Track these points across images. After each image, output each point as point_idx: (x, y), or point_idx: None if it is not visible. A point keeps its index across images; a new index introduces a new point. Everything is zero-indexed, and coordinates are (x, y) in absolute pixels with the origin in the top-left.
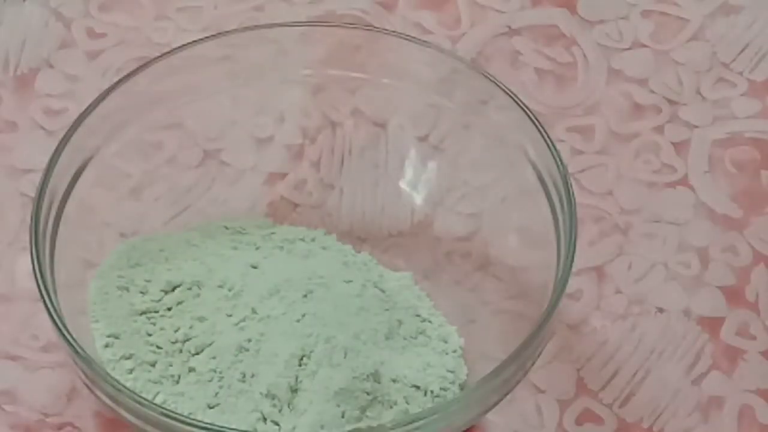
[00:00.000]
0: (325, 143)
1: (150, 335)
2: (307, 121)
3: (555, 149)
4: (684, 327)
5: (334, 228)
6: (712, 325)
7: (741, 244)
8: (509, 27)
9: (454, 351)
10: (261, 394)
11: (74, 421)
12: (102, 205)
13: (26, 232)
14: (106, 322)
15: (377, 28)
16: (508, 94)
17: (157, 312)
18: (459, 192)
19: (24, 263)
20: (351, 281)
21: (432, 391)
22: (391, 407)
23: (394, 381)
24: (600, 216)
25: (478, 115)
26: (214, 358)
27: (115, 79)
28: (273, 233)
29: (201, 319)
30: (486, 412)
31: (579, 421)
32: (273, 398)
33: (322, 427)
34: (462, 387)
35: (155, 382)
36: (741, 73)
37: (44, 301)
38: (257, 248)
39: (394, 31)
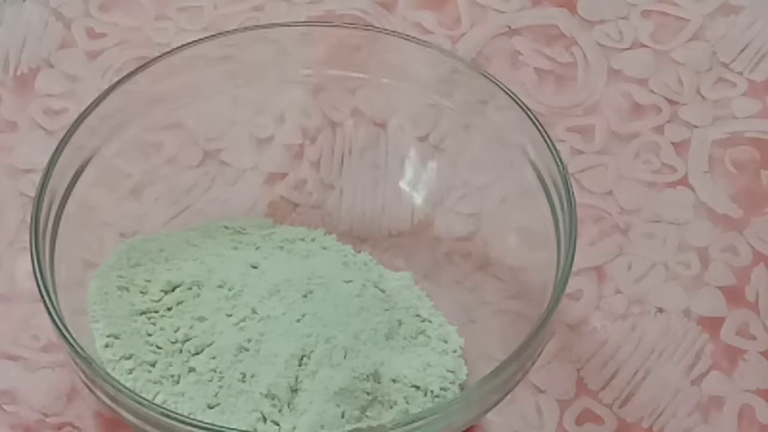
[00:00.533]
0: (325, 143)
1: (150, 335)
2: (307, 121)
3: (555, 149)
4: (684, 327)
5: (334, 228)
6: (712, 325)
7: (741, 244)
8: (509, 27)
9: (454, 351)
10: (261, 394)
11: (74, 421)
12: (102, 205)
13: (26, 232)
14: (106, 322)
15: (377, 28)
16: (508, 94)
17: (157, 312)
18: (459, 192)
19: (24, 263)
20: (351, 281)
21: (432, 391)
22: (391, 407)
23: (394, 381)
24: (600, 216)
25: (478, 115)
26: (214, 358)
27: (115, 79)
28: (273, 233)
29: (201, 319)
30: (486, 412)
31: (579, 421)
32: (273, 398)
33: (322, 427)
34: (462, 387)
35: (155, 382)
36: (741, 73)
37: (44, 301)
38: (257, 248)
39: (394, 31)
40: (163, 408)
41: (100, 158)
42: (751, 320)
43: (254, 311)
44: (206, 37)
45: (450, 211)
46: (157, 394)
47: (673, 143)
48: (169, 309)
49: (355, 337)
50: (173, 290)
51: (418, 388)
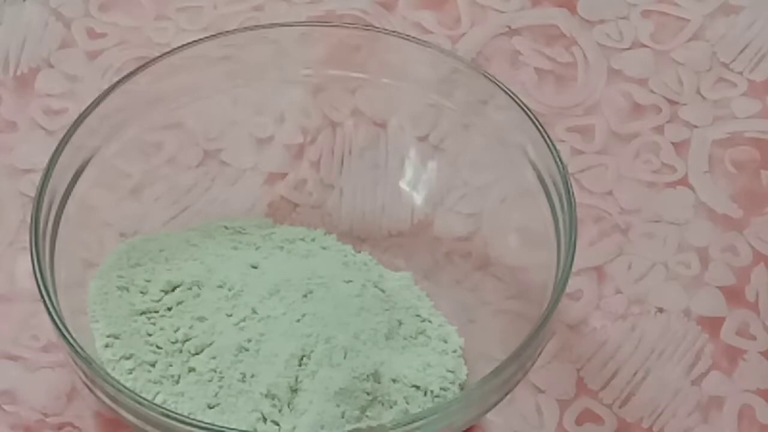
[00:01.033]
0: (325, 143)
1: (150, 335)
2: (307, 121)
3: (555, 149)
4: (684, 327)
5: (334, 228)
6: (712, 325)
7: (741, 244)
8: (509, 27)
9: (454, 351)
10: (261, 394)
11: (74, 421)
12: (102, 205)
13: (26, 232)
14: (106, 322)
15: (377, 28)
16: (508, 94)
17: (157, 312)
18: (459, 192)
19: (24, 263)
20: (351, 281)
21: (432, 391)
22: (391, 407)
23: (394, 381)
24: (600, 216)
25: (478, 115)
26: (214, 358)
27: (115, 79)
28: (273, 233)
29: (201, 319)
30: (486, 412)
31: (579, 421)
32: (273, 398)
33: (322, 427)
34: (462, 387)
35: (155, 382)
36: (741, 73)
37: (44, 301)
38: (257, 248)
39: (394, 31)
40: (163, 408)
41: (100, 158)
42: (751, 320)
43: (254, 311)
44: (206, 37)
45: (450, 211)
46: (157, 394)
47: (673, 143)
48: (169, 309)
49: (355, 337)
50: (173, 290)
51: (418, 388)
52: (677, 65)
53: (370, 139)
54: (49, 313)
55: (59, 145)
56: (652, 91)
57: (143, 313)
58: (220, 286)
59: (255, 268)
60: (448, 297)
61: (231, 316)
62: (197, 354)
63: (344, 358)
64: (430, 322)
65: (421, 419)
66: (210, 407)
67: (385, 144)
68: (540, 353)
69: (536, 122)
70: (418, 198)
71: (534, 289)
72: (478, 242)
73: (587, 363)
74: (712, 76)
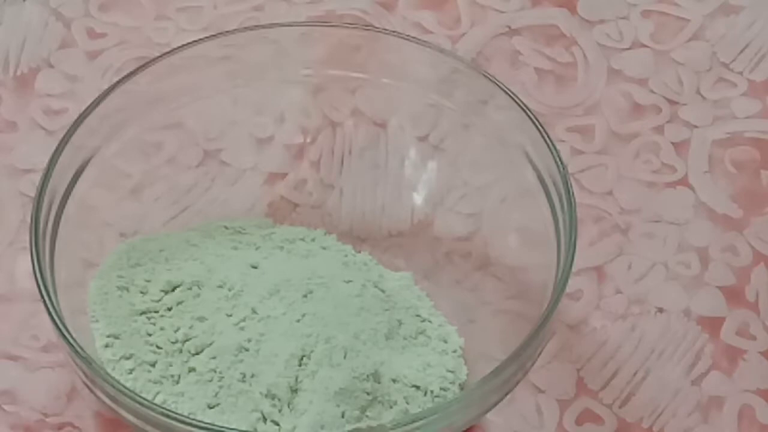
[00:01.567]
0: (325, 143)
1: (150, 335)
2: (307, 121)
3: (555, 149)
4: (684, 327)
5: (334, 228)
6: (712, 325)
7: (741, 244)
8: (509, 27)
9: (454, 351)
10: (261, 394)
11: (74, 421)
12: (102, 205)
13: (26, 232)
14: (106, 322)
15: (377, 28)
16: (508, 94)
17: (157, 312)
18: (459, 192)
19: (24, 263)
20: (351, 281)
21: (432, 391)
22: (391, 407)
23: (394, 381)
24: (600, 216)
25: (478, 115)
26: (214, 358)
27: (115, 79)
28: (273, 233)
29: (201, 319)
30: (486, 412)
31: (579, 421)
32: (273, 398)
33: (322, 427)
34: (462, 387)
35: (155, 382)
36: (741, 73)
37: (44, 301)
38: (257, 248)
39: (394, 31)
40: (163, 408)
41: (100, 158)
42: (751, 320)
43: (254, 311)
44: (206, 37)
45: (450, 211)
46: (157, 394)
47: (673, 143)
48: (169, 309)
49: (355, 337)
50: (173, 290)
51: (418, 388)
52: (677, 65)
53: (370, 139)
54: (49, 313)
55: (59, 145)
56: (652, 91)
57: (143, 313)
58: (220, 286)
59: (255, 268)
60: (448, 297)
61: (231, 316)
62: (197, 354)
63: (344, 358)
64: (430, 322)
65: (421, 419)
66: (210, 407)
67: (385, 144)
68: (540, 353)
69: (536, 122)
70: (418, 198)
71: (534, 289)
72: (478, 242)
73: (587, 363)
74: (712, 76)
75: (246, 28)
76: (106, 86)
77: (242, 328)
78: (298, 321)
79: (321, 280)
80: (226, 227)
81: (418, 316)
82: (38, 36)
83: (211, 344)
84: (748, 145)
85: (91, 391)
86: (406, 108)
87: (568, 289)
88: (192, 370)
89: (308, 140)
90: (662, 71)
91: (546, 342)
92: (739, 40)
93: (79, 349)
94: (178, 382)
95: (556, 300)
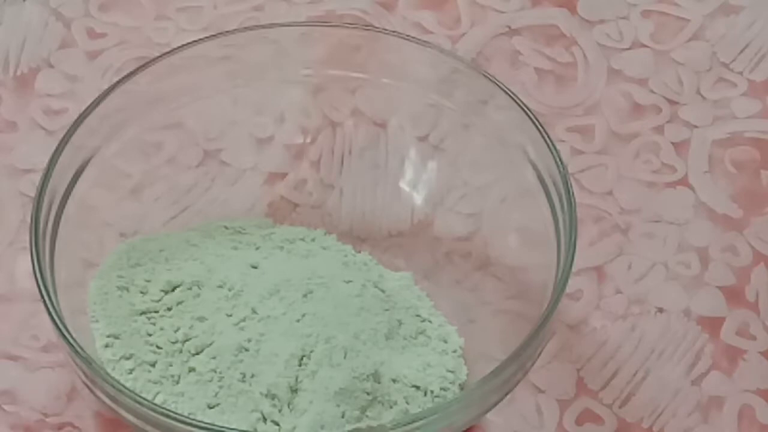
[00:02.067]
0: (325, 143)
1: (150, 335)
2: (307, 121)
3: (555, 149)
4: (684, 327)
5: (334, 228)
6: (712, 325)
7: (741, 244)
8: (509, 27)
9: (454, 351)
10: (261, 394)
11: (74, 421)
12: (102, 205)
13: (26, 232)
14: (106, 322)
15: (377, 28)
16: (508, 94)
17: (157, 312)
18: (459, 192)
19: (24, 263)
20: (351, 281)
21: (432, 391)
22: (391, 407)
23: (394, 381)
24: (600, 216)
25: (478, 115)
26: (214, 358)
27: (115, 79)
28: (273, 233)
29: (201, 319)
30: (486, 412)
31: (579, 421)
32: (273, 398)
33: (322, 427)
34: (462, 387)
35: (155, 382)
36: (741, 73)
37: (44, 301)
38: (257, 248)
39: (394, 31)
40: (163, 408)
41: (100, 158)
42: (751, 320)
43: (254, 311)
44: (206, 37)
45: (450, 211)
46: (157, 394)
47: (673, 143)
48: (169, 309)
49: (355, 337)
50: (173, 290)
51: (418, 388)
52: (677, 65)
53: (370, 139)
54: (49, 313)
55: (59, 145)
56: (652, 91)
57: (143, 313)
58: (220, 286)
59: (255, 268)
60: (448, 297)
61: (231, 316)
62: (197, 354)
63: (344, 358)
64: (430, 322)
65: (421, 419)
66: (210, 407)
67: (385, 144)
68: (540, 353)
69: (536, 122)
70: (418, 198)
71: (534, 289)
72: (478, 242)
73: (587, 363)
74: (712, 76)
75: (246, 28)
76: (106, 86)
77: (242, 328)
78: (298, 321)
79: (321, 280)
80: (226, 227)
81: (418, 316)
82: (38, 36)
83: (211, 344)
84: (748, 145)
85: (91, 391)
86: (406, 108)
87: (568, 289)
88: (192, 370)
89: (308, 140)
90: (662, 71)
91: (546, 342)
92: (739, 40)
93: (79, 349)
94: (178, 382)
95: (556, 300)
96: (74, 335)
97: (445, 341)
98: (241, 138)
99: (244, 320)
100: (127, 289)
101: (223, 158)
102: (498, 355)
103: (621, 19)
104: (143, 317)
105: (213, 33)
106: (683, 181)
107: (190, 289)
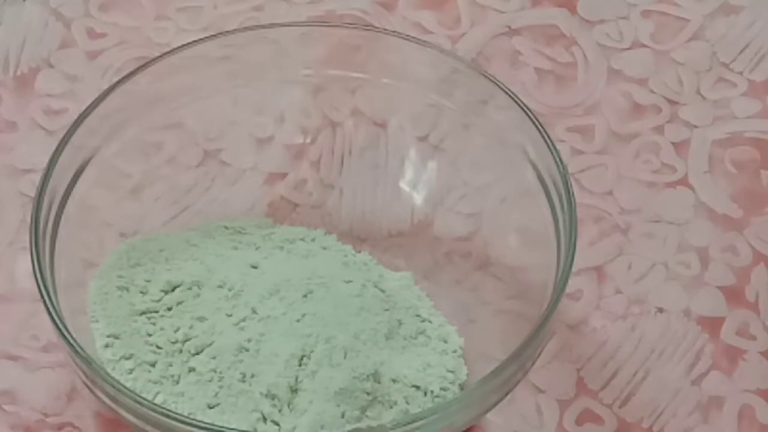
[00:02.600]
0: (325, 143)
1: (150, 335)
2: (307, 121)
3: (555, 149)
4: (684, 327)
5: (334, 228)
6: (712, 325)
7: (741, 244)
8: (509, 27)
9: (454, 351)
10: (261, 394)
11: (74, 421)
12: (102, 205)
13: (26, 232)
14: (106, 322)
15: (377, 28)
16: (508, 94)
17: (157, 312)
18: (459, 192)
19: (24, 263)
20: (351, 281)
21: (432, 391)
22: (391, 407)
23: (394, 381)
24: (600, 216)
25: (478, 115)
26: (214, 358)
27: (115, 79)
28: (273, 233)
29: (201, 319)
30: (486, 412)
31: (579, 421)
32: (273, 398)
33: (322, 427)
34: (462, 387)
35: (155, 382)
36: (741, 73)
37: (44, 301)
38: (257, 248)
39: (394, 31)
40: (163, 408)
41: (100, 158)
42: (751, 320)
43: (254, 311)
44: (206, 37)
45: (450, 211)
46: (157, 394)
47: (673, 143)
48: (169, 309)
49: (355, 337)
50: (173, 290)
51: (418, 388)
52: (677, 65)
53: (370, 139)
54: (49, 313)
55: (59, 145)
56: (652, 91)
57: (143, 313)
58: (220, 286)
59: (255, 268)
60: (448, 297)
61: (231, 316)
62: (197, 354)
63: (344, 358)
64: (430, 322)
65: (421, 419)
66: (210, 407)
67: (385, 144)
68: (540, 353)
69: (536, 122)
70: (418, 198)
71: (534, 289)
72: (478, 242)
73: (587, 363)
74: (712, 76)
75: (246, 28)
76: (106, 86)
77: (242, 328)
78: (298, 321)
79: (321, 280)
80: (226, 227)
81: (418, 316)
82: (38, 36)
83: (211, 344)
84: (748, 145)
85: (91, 391)
86: (406, 108)
87: (568, 289)
88: (192, 370)
89: (308, 140)
90: (662, 71)
91: (546, 342)
92: (739, 40)
93: (79, 349)
94: (178, 382)
95: (556, 300)
96: (74, 335)
97: (445, 341)
98: (241, 138)
99: (244, 320)
100: (127, 289)
101: (223, 158)
102: (498, 355)
103: (621, 19)
104: (143, 317)
105: (213, 33)
106: (683, 181)
107: (190, 289)
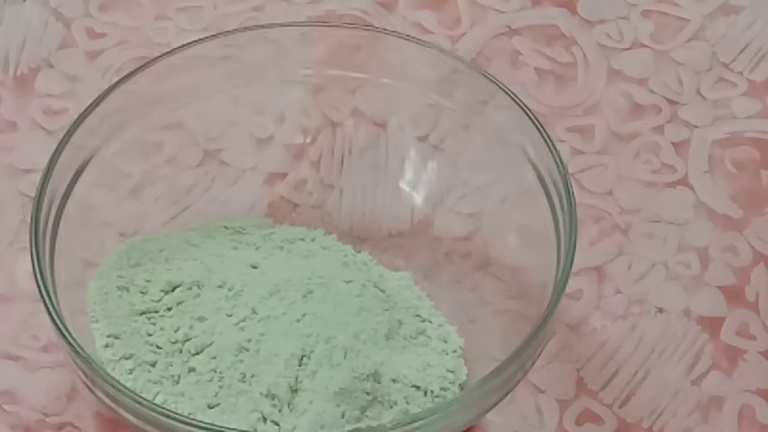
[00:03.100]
0: (325, 143)
1: (150, 335)
2: (307, 121)
3: (555, 149)
4: (684, 327)
5: (334, 228)
6: (712, 325)
7: (741, 244)
8: (509, 27)
9: (454, 351)
10: (261, 394)
11: (74, 421)
12: (102, 205)
13: (26, 232)
14: (106, 322)
15: (377, 28)
16: (508, 94)
17: (157, 312)
18: (459, 192)
19: (24, 263)
20: (351, 281)
21: (432, 391)
22: (391, 407)
23: (394, 381)
24: (600, 216)
25: (478, 115)
26: (214, 358)
27: (115, 79)
28: (273, 233)
29: (201, 319)
30: (486, 412)
31: (579, 421)
32: (273, 398)
33: (322, 427)
34: (462, 387)
35: (155, 382)
36: (741, 73)
37: (44, 301)
38: (257, 248)
39: (394, 31)
40: (163, 408)
41: (100, 158)
42: (751, 320)
43: (254, 311)
44: (206, 37)
45: (450, 211)
46: (157, 394)
47: (673, 143)
48: (169, 309)
49: (355, 337)
50: (173, 290)
51: (418, 388)
52: (677, 65)
53: (370, 139)
54: (49, 313)
55: (59, 145)
56: (652, 91)
57: (143, 313)
58: (220, 286)
59: (255, 268)
60: (448, 297)
61: (231, 316)
62: (197, 354)
63: (344, 358)
64: (430, 322)
65: (421, 419)
66: (210, 407)
67: (385, 144)
68: (540, 353)
69: (536, 122)
70: (418, 198)
71: (534, 289)
72: (478, 242)
73: (587, 363)
74: (712, 76)
75: (246, 28)
76: (106, 86)
77: (242, 328)
78: (298, 321)
79: (321, 280)
80: (226, 227)
81: (418, 316)
82: (38, 36)
83: (211, 344)
84: (748, 145)
85: (91, 391)
86: (406, 108)
87: (568, 289)
88: (192, 370)
89: (308, 140)
90: (662, 71)
91: (546, 342)
92: (739, 40)
93: (79, 349)
94: (178, 382)
95: (556, 300)
96: (74, 335)
97: (445, 341)
98: (241, 138)
99: (244, 320)
100: (127, 289)
101: (223, 158)
102: (498, 355)
103: (621, 19)
104: (143, 317)
105: (213, 33)
106: (683, 181)
107: (190, 289)
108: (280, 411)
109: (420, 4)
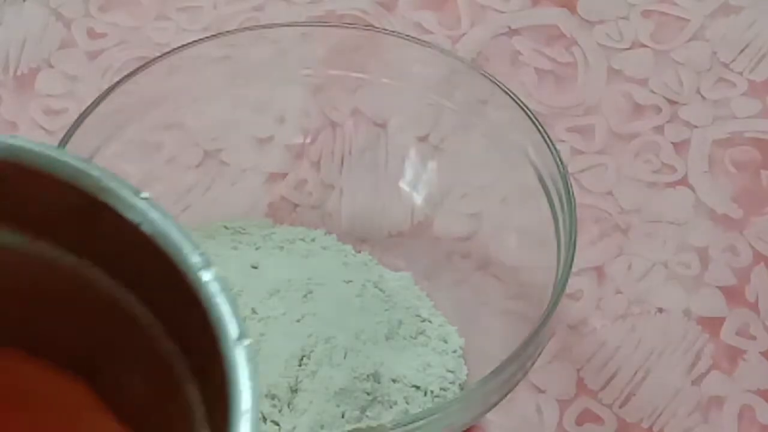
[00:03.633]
0: (325, 143)
1: None
2: (307, 121)
3: (555, 149)
4: (684, 327)
5: (334, 228)
6: (712, 325)
7: (741, 244)
8: (509, 27)
9: (454, 351)
10: (261, 394)
11: None
12: None
13: None
14: None
15: (377, 28)
16: (508, 94)
17: None
18: (459, 192)
19: None
20: (351, 281)
21: (432, 391)
22: (391, 407)
23: (394, 381)
24: (600, 216)
25: (478, 115)
26: None
27: (115, 79)
28: (273, 233)
29: None
30: (486, 412)
31: (579, 421)
32: (273, 398)
33: (322, 427)
34: (462, 387)
35: None
36: (741, 73)
37: None
38: (257, 248)
39: (394, 31)
40: None
41: (100, 158)
42: (751, 320)
43: (254, 311)
44: (206, 37)
45: (450, 211)
46: None
47: (673, 143)
48: None
49: (355, 337)
50: None
51: (418, 388)
52: (677, 65)
53: (370, 139)
54: None
55: (59, 145)
56: (652, 91)
57: None
58: None
59: (255, 268)
60: (448, 297)
61: None
62: None
63: (344, 358)
64: (430, 322)
65: (421, 419)
66: None
67: (385, 144)
68: (540, 353)
69: (536, 122)
70: (418, 198)
71: (534, 289)
72: (478, 242)
73: (587, 363)
74: (712, 76)
75: (246, 28)
76: (106, 86)
77: None
78: (298, 321)
79: (321, 280)
80: (226, 227)
81: (418, 316)
82: (38, 36)
83: None
84: (748, 145)
85: None
86: (406, 108)
87: (568, 289)
88: None
89: (308, 140)
90: (662, 71)
91: (546, 342)
92: (739, 40)
93: None
94: None
95: (556, 300)
96: None
97: (445, 341)
98: (241, 138)
99: (243, 320)
100: None
101: (223, 158)
102: (498, 355)
103: (621, 19)
104: None
105: (213, 33)
106: (683, 181)
107: None
108: (280, 411)
109: (420, 4)
